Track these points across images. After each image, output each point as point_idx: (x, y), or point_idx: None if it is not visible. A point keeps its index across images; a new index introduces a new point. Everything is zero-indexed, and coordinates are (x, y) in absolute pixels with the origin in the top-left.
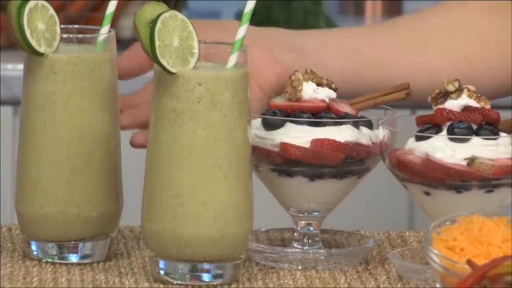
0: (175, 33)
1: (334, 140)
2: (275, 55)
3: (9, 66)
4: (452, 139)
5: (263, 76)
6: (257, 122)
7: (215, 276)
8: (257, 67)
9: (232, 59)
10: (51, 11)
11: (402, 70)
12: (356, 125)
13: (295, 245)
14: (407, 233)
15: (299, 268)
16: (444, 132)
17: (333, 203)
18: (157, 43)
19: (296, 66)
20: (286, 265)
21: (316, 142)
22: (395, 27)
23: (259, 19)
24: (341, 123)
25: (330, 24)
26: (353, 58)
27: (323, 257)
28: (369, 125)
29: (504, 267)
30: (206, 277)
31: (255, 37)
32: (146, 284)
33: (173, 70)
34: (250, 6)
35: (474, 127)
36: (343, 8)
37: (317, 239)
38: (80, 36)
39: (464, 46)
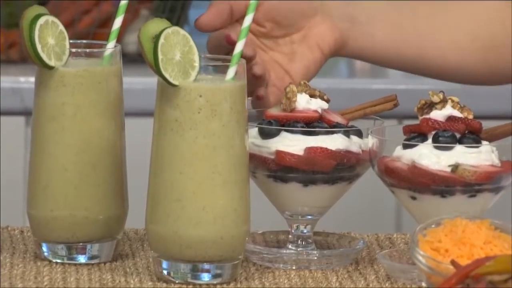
0: (177, 47)
1: (326, 148)
2: (334, 22)
3: (22, 79)
4: (437, 147)
5: (324, 40)
6: (254, 131)
7: (215, 276)
8: (319, 30)
9: (231, 72)
10: (61, 27)
11: (437, 52)
12: (347, 134)
13: (290, 246)
14: (394, 235)
15: (294, 268)
16: (430, 140)
17: (325, 207)
18: (160, 57)
19: (349, 34)
20: (281, 265)
21: (309, 150)
22: (435, 6)
23: None
24: (332, 132)
25: None
26: (396, 34)
27: (316, 258)
28: (359, 134)
29: (486, 267)
30: (206, 276)
31: (315, 6)
32: (150, 283)
33: (175, 82)
34: (246, 22)
35: (458, 135)
36: None
37: (310, 240)
38: (88, 50)
39: (490, 33)
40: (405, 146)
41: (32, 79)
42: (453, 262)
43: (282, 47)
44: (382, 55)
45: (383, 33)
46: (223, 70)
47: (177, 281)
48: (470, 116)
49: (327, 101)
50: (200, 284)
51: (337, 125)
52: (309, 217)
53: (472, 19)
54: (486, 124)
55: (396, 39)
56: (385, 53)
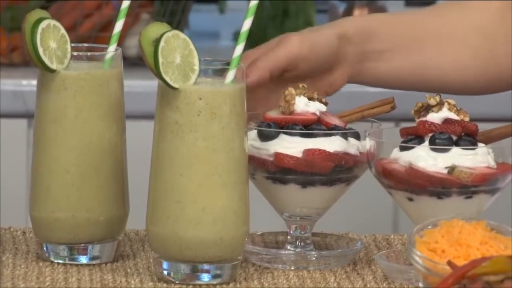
0: (177, 51)
1: (324, 150)
2: (348, 65)
3: (24, 82)
4: (433, 149)
5: (333, 86)
6: (253, 133)
7: (214, 276)
8: (332, 79)
9: (230, 75)
10: (62, 30)
11: (438, 72)
12: (344, 136)
13: (288, 247)
14: (392, 236)
15: (292, 268)
16: (426, 142)
17: (324, 208)
18: (160, 60)
19: (358, 71)
20: (280, 265)
21: (307, 152)
22: (439, 24)
23: (254, 38)
24: (330, 135)
25: None
26: (401, 60)
27: (314, 258)
28: (357, 136)
29: (482, 268)
30: (206, 277)
31: (339, 59)
32: (150, 284)
33: (175, 85)
34: (246, 26)
35: (454, 138)
36: None
37: (308, 241)
38: (89, 54)
39: (492, 46)
40: (402, 148)
41: (34, 82)
42: (449, 263)
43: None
44: (384, 82)
45: (391, 64)
46: (222, 73)
47: (177, 282)
48: (466, 119)
49: (325, 104)
50: (200, 285)
51: (335, 127)
52: (308, 218)
53: (475, 34)
54: (482, 127)
55: (400, 64)
56: (388, 79)
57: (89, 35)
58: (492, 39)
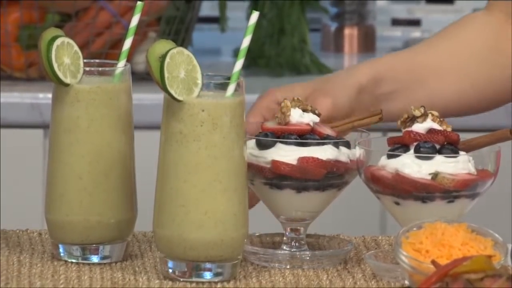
0: (181, 66)
1: (317, 158)
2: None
3: (40, 95)
4: (418, 157)
5: (337, 96)
6: (251, 142)
7: (216, 274)
8: (334, 84)
9: (231, 89)
10: (76, 47)
11: (442, 103)
12: (336, 145)
13: (284, 247)
14: (380, 237)
15: (288, 267)
16: (412, 151)
17: (317, 211)
18: (166, 75)
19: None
20: (276, 265)
21: (302, 159)
22: (438, 57)
23: (253, 54)
24: (323, 144)
25: (314, 59)
26: (407, 98)
27: (308, 258)
28: (348, 145)
29: (463, 267)
30: (208, 275)
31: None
32: (157, 281)
33: (179, 98)
34: (245, 43)
35: (437, 146)
36: (325, 46)
37: (303, 242)
38: (100, 69)
39: (488, 71)
40: (389, 156)
41: (50, 95)
42: (433, 262)
43: None
44: (394, 118)
45: (399, 103)
46: (223, 87)
47: (181, 280)
48: (449, 129)
49: (318, 115)
50: (202, 282)
51: (327, 137)
52: (302, 221)
53: (472, 61)
54: (463, 136)
55: (405, 103)
56: (398, 116)
57: (100, 52)
58: (488, 63)
